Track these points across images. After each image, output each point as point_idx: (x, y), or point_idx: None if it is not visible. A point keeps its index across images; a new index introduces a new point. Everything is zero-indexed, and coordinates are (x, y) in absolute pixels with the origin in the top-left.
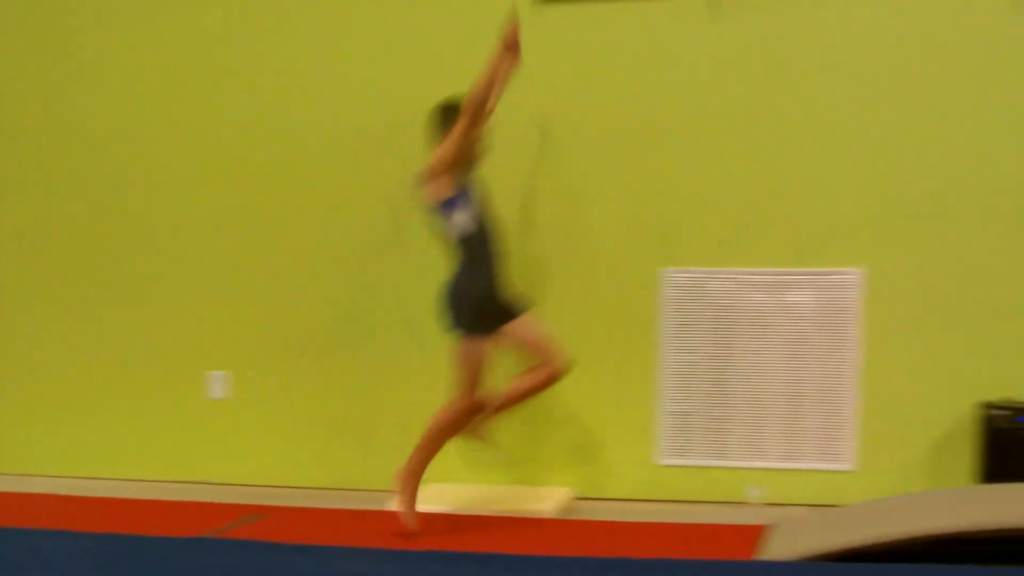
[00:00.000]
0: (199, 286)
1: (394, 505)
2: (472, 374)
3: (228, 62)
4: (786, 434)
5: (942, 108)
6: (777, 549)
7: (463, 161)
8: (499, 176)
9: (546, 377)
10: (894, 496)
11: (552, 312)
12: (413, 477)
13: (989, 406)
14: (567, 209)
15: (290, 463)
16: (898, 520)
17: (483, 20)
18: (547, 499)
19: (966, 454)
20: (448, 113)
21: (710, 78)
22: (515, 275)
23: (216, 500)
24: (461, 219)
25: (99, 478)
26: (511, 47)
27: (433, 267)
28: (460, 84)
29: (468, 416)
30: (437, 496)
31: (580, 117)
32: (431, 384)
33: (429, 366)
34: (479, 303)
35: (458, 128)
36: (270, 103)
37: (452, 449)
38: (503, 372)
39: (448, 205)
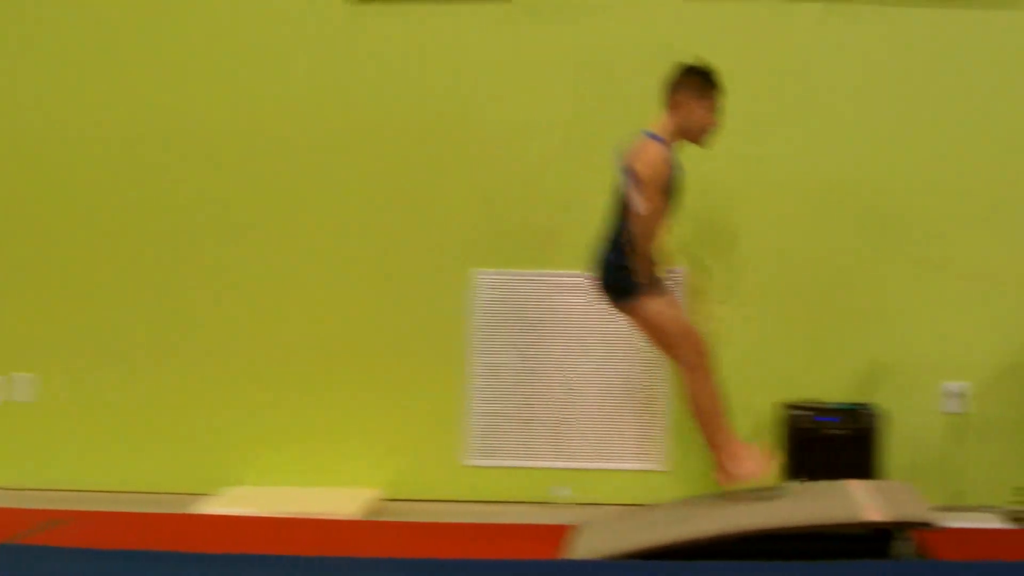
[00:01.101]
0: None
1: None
2: (674, 333)
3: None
4: (596, 434)
5: (755, 112)
6: (583, 548)
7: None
8: (310, 174)
9: (694, 383)
10: (699, 496)
11: (339, 311)
12: (726, 447)
13: (790, 406)
14: (375, 208)
15: (97, 466)
16: (702, 519)
17: None
18: (354, 501)
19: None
20: (682, 78)
21: (520, 81)
22: (331, 275)
23: (18, 505)
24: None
25: None
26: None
27: (242, 271)
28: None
29: (705, 375)
30: (241, 499)
31: (392, 117)
32: (236, 386)
33: (233, 369)
34: (628, 251)
35: (641, 200)
36: None
37: (258, 451)
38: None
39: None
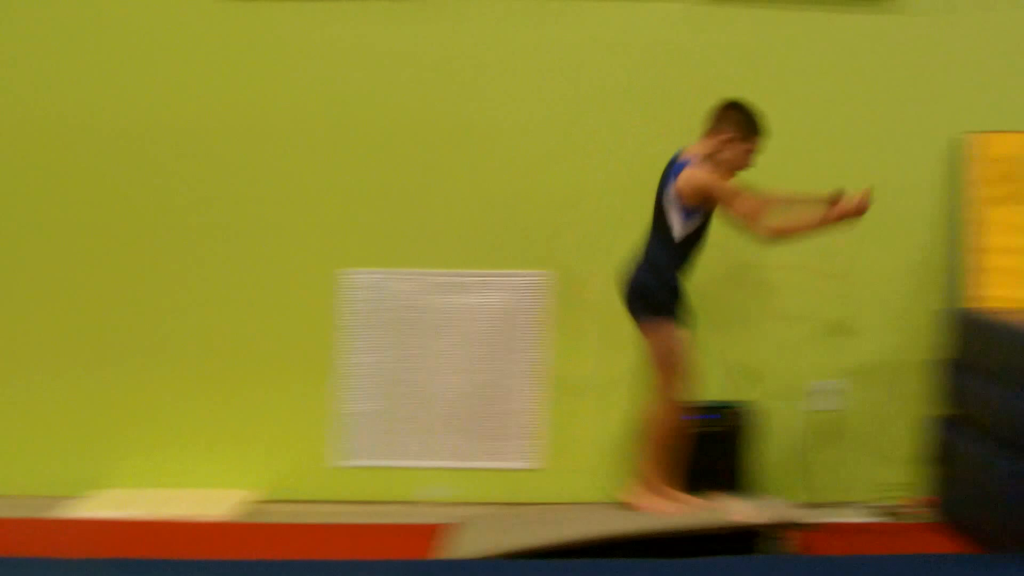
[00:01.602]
0: None
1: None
2: (673, 364)
3: None
4: (469, 434)
5: (629, 111)
6: (462, 547)
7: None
8: (178, 174)
9: (663, 413)
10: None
11: (209, 313)
12: (654, 481)
13: None
14: (244, 208)
15: None
16: (580, 522)
17: None
18: (225, 503)
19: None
20: (730, 113)
21: (394, 77)
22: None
23: None
24: (688, 225)
25: None
26: (846, 215)
27: (110, 272)
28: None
29: (676, 412)
30: (109, 502)
31: (263, 114)
32: (106, 387)
33: (103, 370)
34: (671, 287)
35: (734, 201)
36: None
37: (127, 453)
38: None
39: (689, 212)
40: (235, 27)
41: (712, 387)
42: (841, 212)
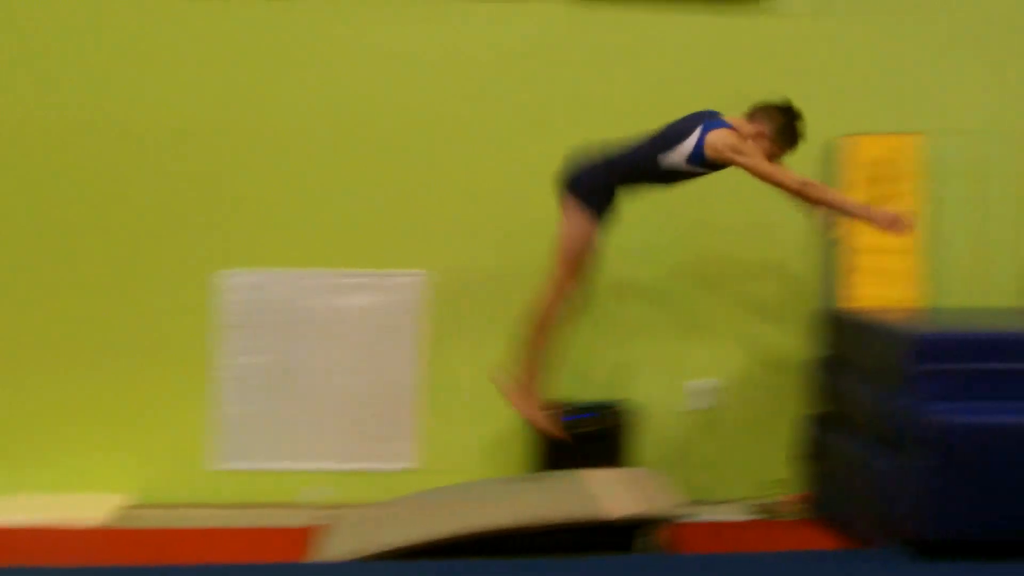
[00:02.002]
0: None
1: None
2: (575, 256)
3: None
4: (347, 435)
5: (506, 112)
6: (331, 549)
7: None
8: (48, 170)
9: (550, 302)
10: (449, 487)
11: (83, 314)
12: (528, 383)
13: (542, 406)
14: (118, 208)
15: None
16: (449, 517)
17: None
18: (99, 507)
19: (522, 453)
20: (775, 114)
21: (271, 75)
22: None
23: None
24: (685, 166)
25: None
26: (890, 226)
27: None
28: None
29: (562, 304)
30: None
31: (136, 116)
32: None
33: None
34: (613, 190)
35: (775, 172)
36: None
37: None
38: None
39: (701, 160)
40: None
41: (591, 386)
42: (879, 219)
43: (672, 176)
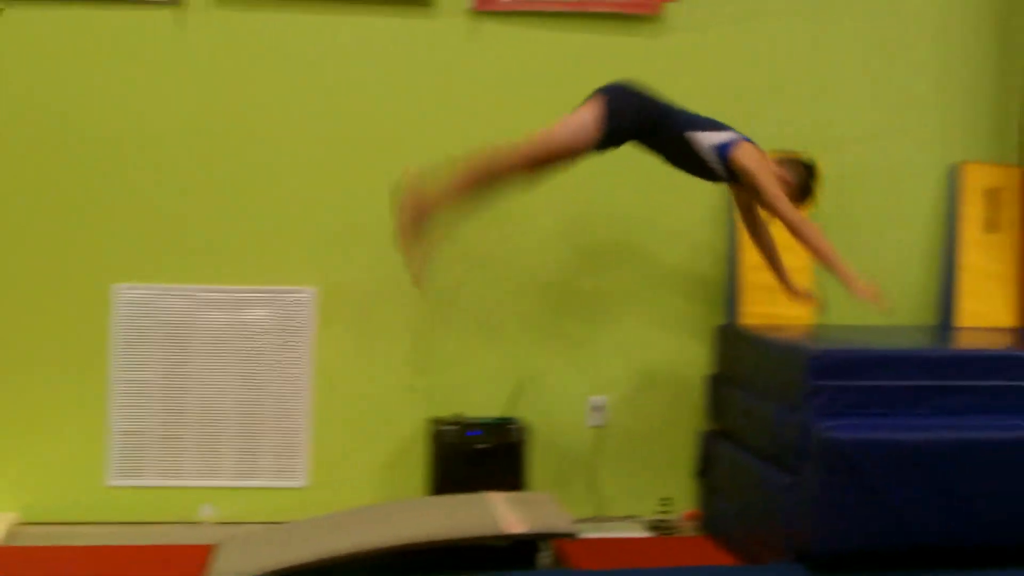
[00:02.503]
0: None
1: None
2: (558, 142)
3: None
4: (241, 452)
5: (396, 128)
6: (223, 568)
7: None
8: None
9: (507, 162)
10: (346, 510)
11: None
12: (428, 206)
13: (438, 421)
14: (17, 217)
15: None
16: (344, 535)
17: None
18: None
19: (418, 469)
20: (800, 169)
21: (164, 88)
22: None
23: None
24: (710, 161)
25: None
26: (869, 297)
27: None
28: None
29: (510, 174)
30: None
31: (30, 127)
32: None
33: None
34: (645, 115)
35: (784, 201)
36: None
37: None
38: None
39: (726, 168)
40: None
41: (490, 403)
42: (859, 289)
43: (685, 154)
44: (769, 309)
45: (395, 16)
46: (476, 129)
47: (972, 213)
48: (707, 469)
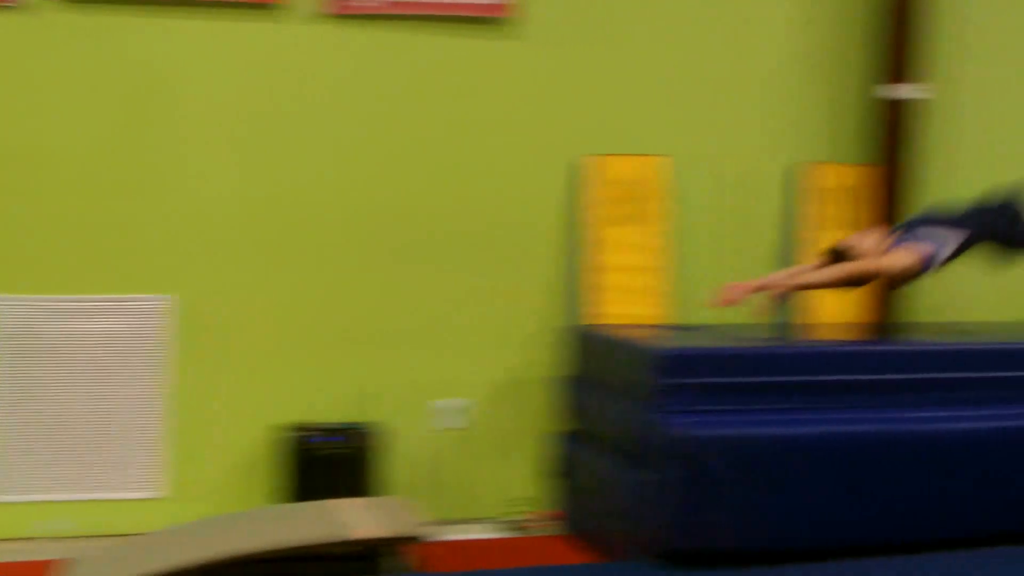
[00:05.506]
0: None
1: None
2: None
3: None
4: (89, 464)
5: (252, 133)
6: None
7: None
8: None
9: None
10: (196, 521)
11: None
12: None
13: (287, 428)
14: None
15: None
16: (197, 545)
17: None
18: None
19: (270, 476)
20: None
21: (44, 99)
22: None
23: None
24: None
25: None
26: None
27: None
28: None
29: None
30: None
31: None
32: None
33: None
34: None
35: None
36: None
37: None
38: None
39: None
40: None
41: (336, 408)
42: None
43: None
44: (619, 309)
45: (248, 20)
46: (330, 132)
47: (813, 212)
48: (563, 469)
